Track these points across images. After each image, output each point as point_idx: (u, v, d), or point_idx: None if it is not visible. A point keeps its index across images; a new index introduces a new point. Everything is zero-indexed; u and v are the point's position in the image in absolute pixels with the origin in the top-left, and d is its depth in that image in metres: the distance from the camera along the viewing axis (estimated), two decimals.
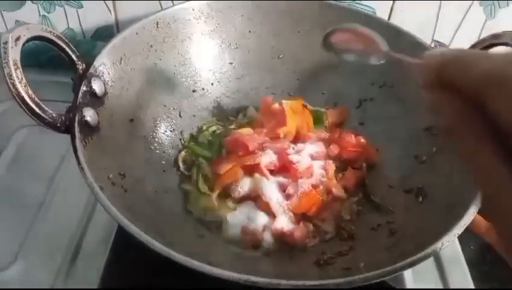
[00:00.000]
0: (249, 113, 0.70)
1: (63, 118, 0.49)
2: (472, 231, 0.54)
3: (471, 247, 0.68)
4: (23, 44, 0.48)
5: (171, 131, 0.66)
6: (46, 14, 0.78)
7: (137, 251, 0.53)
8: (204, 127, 0.68)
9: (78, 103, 0.51)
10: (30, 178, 0.68)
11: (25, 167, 0.69)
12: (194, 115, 0.69)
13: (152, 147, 0.62)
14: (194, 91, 0.69)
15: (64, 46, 0.53)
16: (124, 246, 0.58)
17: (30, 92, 0.47)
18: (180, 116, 0.67)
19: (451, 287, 0.60)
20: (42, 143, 0.72)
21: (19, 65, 0.46)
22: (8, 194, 0.65)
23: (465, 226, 0.45)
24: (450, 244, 0.45)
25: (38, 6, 0.77)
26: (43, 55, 0.82)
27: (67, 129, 0.49)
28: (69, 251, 0.59)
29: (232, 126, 0.68)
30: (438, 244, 0.44)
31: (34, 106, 0.47)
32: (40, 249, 0.59)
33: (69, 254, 0.59)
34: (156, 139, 0.63)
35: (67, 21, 0.79)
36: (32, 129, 0.73)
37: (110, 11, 0.78)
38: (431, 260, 0.62)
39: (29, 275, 0.57)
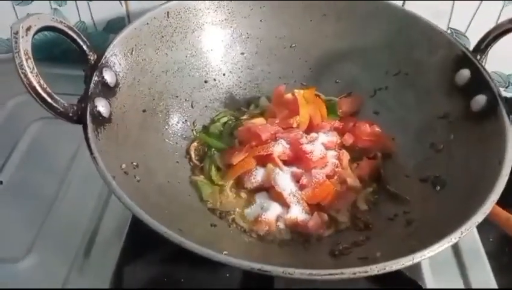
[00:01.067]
0: (261, 103, 0.69)
1: (75, 108, 0.49)
2: (491, 222, 0.53)
3: (491, 239, 0.67)
4: (34, 34, 0.47)
5: (183, 122, 0.65)
6: (57, 7, 0.78)
7: (151, 242, 0.53)
8: (216, 118, 0.67)
9: (89, 93, 0.50)
10: (44, 170, 0.68)
11: (39, 159, 0.70)
12: (206, 106, 0.68)
13: (164, 138, 0.62)
14: (205, 82, 0.69)
15: (75, 36, 0.53)
16: (138, 237, 0.58)
17: (42, 82, 0.46)
18: (192, 107, 0.67)
19: (471, 279, 0.58)
20: (57, 135, 0.72)
21: (30, 55, 0.46)
22: (22, 186, 0.66)
23: (485, 214, 0.44)
24: (468, 234, 0.43)
25: (50, 0, 0.77)
26: (57, 49, 0.83)
27: (79, 119, 0.49)
28: (83, 242, 0.59)
29: (244, 116, 0.67)
30: (457, 233, 0.43)
31: (45, 96, 0.46)
32: (55, 240, 0.59)
33: (83, 246, 0.59)
34: (169, 130, 0.63)
35: (79, 14, 0.79)
36: (47, 122, 0.73)
37: (121, 3, 0.77)
38: (450, 251, 0.61)
39: (43, 267, 0.57)
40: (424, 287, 0.55)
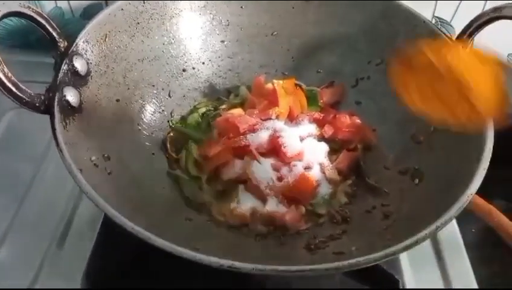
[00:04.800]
0: (240, 93, 0.68)
1: (42, 97, 0.48)
2: (473, 213, 0.53)
3: (473, 229, 0.66)
4: None
5: (160, 112, 0.64)
6: None
7: (126, 234, 0.52)
8: (194, 108, 0.66)
9: (58, 82, 0.49)
10: (19, 159, 0.66)
11: (14, 148, 0.68)
12: (184, 96, 0.66)
13: (140, 129, 0.60)
14: (184, 70, 0.67)
15: (44, 22, 0.51)
16: (112, 229, 0.57)
17: (6, 70, 0.45)
18: (169, 96, 0.65)
19: (448, 270, 0.58)
20: (32, 125, 0.69)
21: None
22: None
23: (461, 209, 0.44)
24: (446, 227, 0.43)
25: None
26: (33, 35, 0.80)
27: (47, 109, 0.47)
28: (56, 234, 0.58)
29: (223, 106, 0.66)
30: (432, 227, 0.42)
31: (10, 85, 0.45)
32: (28, 230, 0.58)
33: (56, 238, 0.58)
34: (144, 120, 0.61)
35: None
36: (22, 111, 0.70)
37: None
38: (428, 242, 0.60)
39: (15, 259, 0.56)
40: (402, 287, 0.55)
